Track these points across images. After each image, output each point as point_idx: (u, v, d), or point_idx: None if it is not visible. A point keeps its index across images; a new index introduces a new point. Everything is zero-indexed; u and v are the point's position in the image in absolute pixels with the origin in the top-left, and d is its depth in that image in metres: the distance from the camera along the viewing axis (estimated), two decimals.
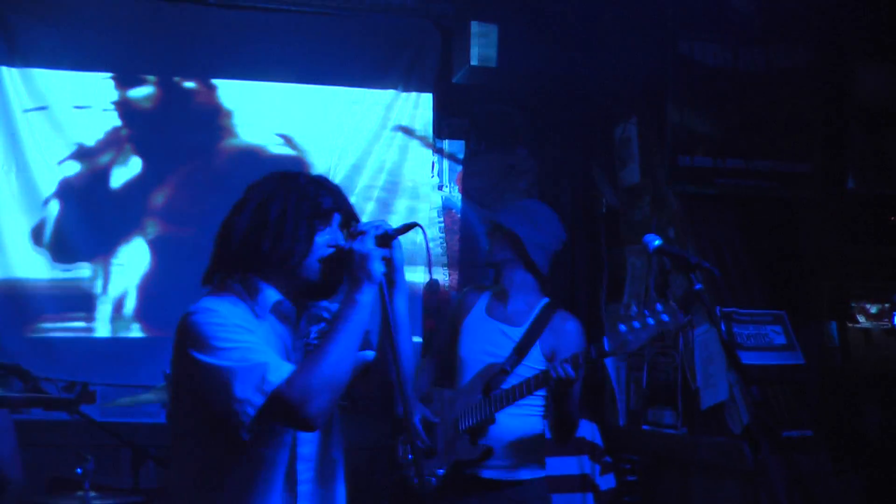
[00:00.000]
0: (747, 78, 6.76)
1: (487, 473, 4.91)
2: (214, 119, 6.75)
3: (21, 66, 6.92)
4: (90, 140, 5.46)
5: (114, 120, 5.96)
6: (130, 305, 5.45)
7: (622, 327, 4.34)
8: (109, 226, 5.44)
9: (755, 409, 5.53)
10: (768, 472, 5.30)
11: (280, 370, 2.90)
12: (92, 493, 5.51)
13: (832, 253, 6.75)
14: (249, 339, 2.97)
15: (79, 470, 5.53)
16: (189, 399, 3.06)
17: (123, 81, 6.57)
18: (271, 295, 3.16)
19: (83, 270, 5.27)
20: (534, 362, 4.91)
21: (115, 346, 7.00)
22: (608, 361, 7.11)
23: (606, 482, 6.59)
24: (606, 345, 4.38)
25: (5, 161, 6.90)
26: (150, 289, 5.39)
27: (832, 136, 6.79)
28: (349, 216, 3.28)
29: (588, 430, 6.67)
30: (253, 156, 6.42)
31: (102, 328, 5.53)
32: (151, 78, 6.84)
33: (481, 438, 4.87)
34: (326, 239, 3.18)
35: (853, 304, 6.81)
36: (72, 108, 6.21)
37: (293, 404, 2.87)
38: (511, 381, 4.82)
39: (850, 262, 6.80)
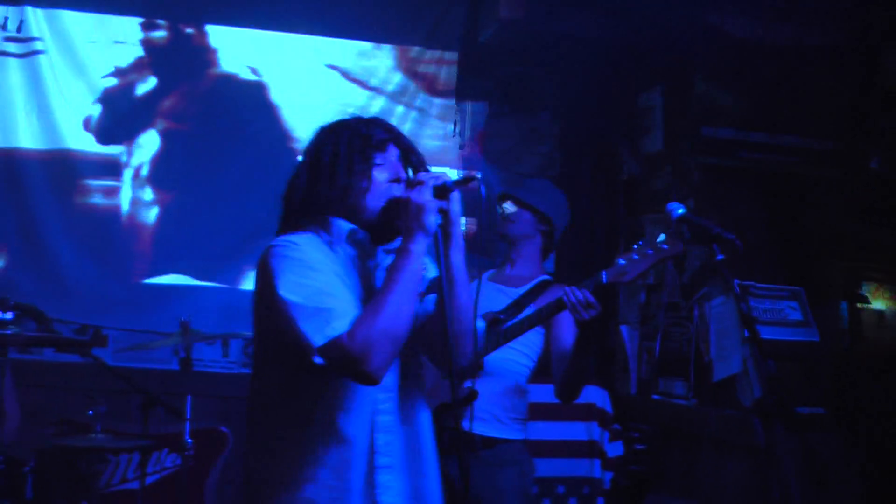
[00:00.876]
0: (775, 52, 6.70)
1: (465, 425, 4.73)
2: (203, 54, 7.23)
3: (46, 6, 6.98)
4: (123, 63, 6.88)
5: (138, 52, 7.00)
6: (145, 172, 6.76)
7: (621, 261, 4.35)
8: (133, 121, 6.81)
9: (770, 384, 5.51)
10: (776, 447, 5.29)
11: (345, 317, 2.92)
12: (102, 436, 5.54)
13: (850, 233, 6.71)
14: (323, 280, 3.00)
15: (90, 412, 5.56)
16: (271, 327, 3.08)
17: (148, 26, 7.10)
18: (343, 225, 3.15)
19: (116, 149, 6.74)
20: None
21: (130, 292, 7.10)
22: (622, 329, 7.11)
23: (614, 449, 6.60)
24: (605, 277, 4.38)
25: (27, 103, 6.97)
26: (158, 163, 6.76)
27: (858, 115, 6.74)
28: (407, 149, 3.26)
29: (598, 396, 6.68)
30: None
31: (126, 191, 6.81)
32: (163, 22, 7.19)
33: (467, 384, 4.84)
34: (387, 175, 3.17)
35: (868, 286, 6.78)
36: (95, 45, 7.04)
37: (354, 357, 2.88)
38: None
39: (867, 244, 6.76)
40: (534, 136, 7.77)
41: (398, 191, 3.14)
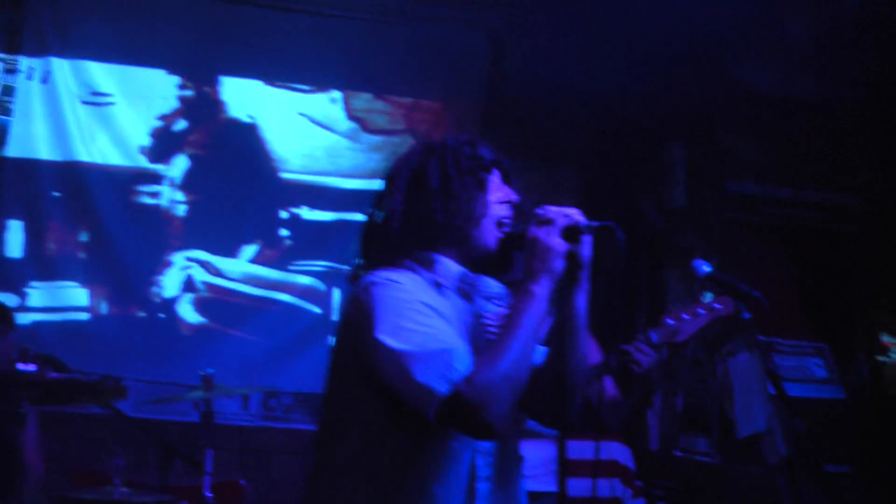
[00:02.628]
0: (800, 106, 6.68)
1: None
2: (216, 105, 7.82)
3: (72, 57, 7.17)
4: (167, 110, 7.66)
5: (175, 104, 7.71)
6: (178, 181, 7.61)
7: (669, 321, 4.32)
8: (169, 148, 7.65)
9: (797, 442, 5.45)
10: None
11: (465, 359, 2.53)
12: (124, 489, 5.49)
13: (878, 287, 6.66)
14: (435, 323, 2.63)
15: (110, 464, 5.52)
16: (366, 380, 2.71)
17: (182, 87, 7.70)
18: (452, 266, 2.84)
19: (160, 166, 7.58)
20: None
21: (151, 343, 7.11)
22: None
23: None
24: (654, 338, 4.35)
25: (51, 152, 7.10)
26: (186, 177, 7.65)
27: (884, 168, 6.70)
28: (509, 171, 2.92)
29: (621, 453, 6.60)
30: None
31: (166, 194, 7.61)
32: (190, 84, 7.72)
33: None
34: (497, 196, 2.85)
35: (891, 339, 6.71)
36: (127, 100, 7.65)
37: (473, 406, 2.50)
38: None
39: (893, 298, 6.71)
40: (557, 190, 7.75)
41: (509, 212, 2.84)
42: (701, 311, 4.27)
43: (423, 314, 2.64)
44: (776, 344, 6.02)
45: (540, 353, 2.88)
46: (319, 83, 7.79)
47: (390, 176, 2.93)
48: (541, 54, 7.26)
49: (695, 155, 6.93)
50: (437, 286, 2.81)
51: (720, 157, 6.58)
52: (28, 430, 5.57)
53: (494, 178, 2.88)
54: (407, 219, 2.84)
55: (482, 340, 2.86)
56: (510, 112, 7.69)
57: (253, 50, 7.67)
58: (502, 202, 2.85)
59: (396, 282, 2.72)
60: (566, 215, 2.70)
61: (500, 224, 2.83)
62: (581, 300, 2.78)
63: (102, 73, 7.44)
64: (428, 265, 2.83)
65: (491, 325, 2.90)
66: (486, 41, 7.73)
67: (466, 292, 2.86)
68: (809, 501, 5.14)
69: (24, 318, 6.98)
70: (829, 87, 6.72)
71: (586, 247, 2.74)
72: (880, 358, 6.66)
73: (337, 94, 7.86)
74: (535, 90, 7.17)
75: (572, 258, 2.72)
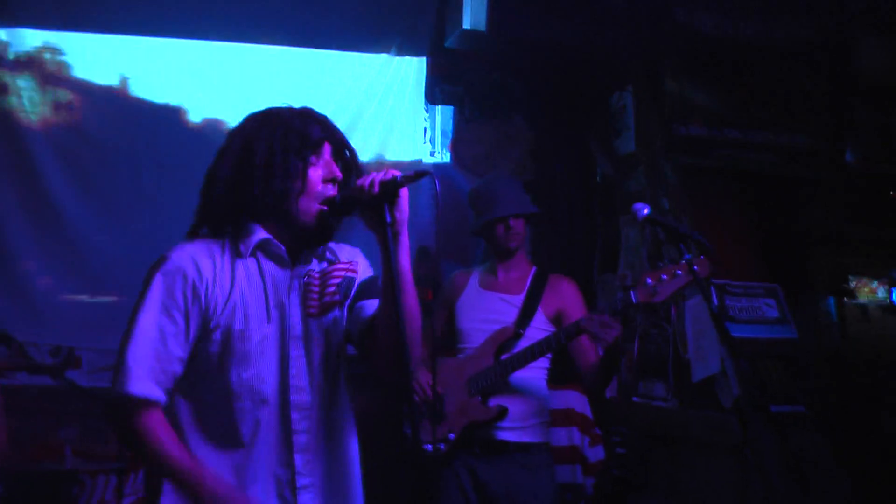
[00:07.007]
0: (747, 49, 6.66)
1: (501, 435, 4.95)
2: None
3: (9, 26, 6.96)
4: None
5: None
6: None
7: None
8: None
9: (745, 384, 5.45)
10: (757, 447, 5.23)
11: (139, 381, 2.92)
12: (74, 459, 5.48)
13: (830, 228, 6.65)
14: (151, 323, 2.94)
15: (61, 434, 5.50)
16: None
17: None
18: (259, 234, 3.03)
19: None
20: (540, 324, 5.05)
21: (101, 311, 7.00)
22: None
23: (595, 454, 6.51)
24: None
25: None
26: None
27: (833, 110, 6.68)
28: (341, 145, 3.13)
29: (578, 401, 6.60)
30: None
31: None
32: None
33: (493, 400, 4.94)
34: (321, 174, 3.04)
35: (852, 280, 6.72)
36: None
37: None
38: (522, 344, 4.93)
39: (848, 238, 6.71)
40: (507, 141, 7.70)
41: (332, 191, 3.04)
42: (679, 272, 4.34)
43: (148, 315, 2.94)
44: (727, 285, 6.02)
45: (370, 307, 3.15)
46: (268, 38, 7.51)
47: (226, 142, 3.11)
48: (485, 6, 7.18)
49: (642, 100, 6.88)
50: (240, 255, 3.03)
51: (667, 101, 6.54)
52: None
53: (323, 155, 3.07)
54: (231, 188, 3.03)
55: (301, 296, 3.09)
56: (456, 63, 7.62)
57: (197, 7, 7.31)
58: (326, 180, 3.04)
59: (157, 274, 2.98)
60: (384, 172, 2.89)
61: (320, 200, 3.02)
62: (403, 256, 2.95)
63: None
64: (243, 234, 3.04)
65: (313, 280, 3.13)
66: None
67: (275, 255, 3.07)
68: (762, 442, 5.16)
69: None
70: (774, 27, 6.69)
71: (404, 201, 2.90)
72: (847, 300, 6.66)
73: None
74: (478, 40, 7.10)
75: (392, 214, 2.90)
